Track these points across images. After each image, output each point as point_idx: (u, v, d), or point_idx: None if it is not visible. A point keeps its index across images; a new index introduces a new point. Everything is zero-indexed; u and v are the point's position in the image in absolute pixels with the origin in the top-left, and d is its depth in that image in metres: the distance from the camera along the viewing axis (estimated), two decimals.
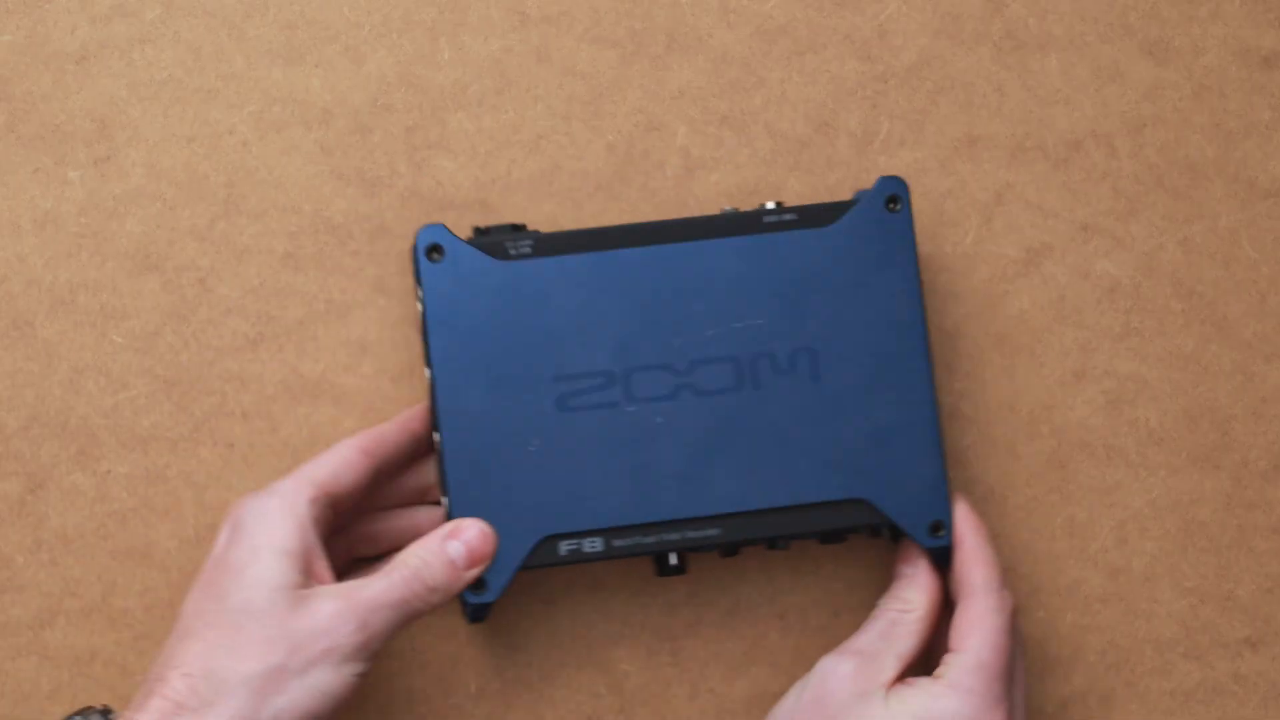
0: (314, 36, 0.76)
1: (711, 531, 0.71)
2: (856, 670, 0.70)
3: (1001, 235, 0.77)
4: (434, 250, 0.71)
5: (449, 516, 0.71)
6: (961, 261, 0.77)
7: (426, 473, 0.74)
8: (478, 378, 0.71)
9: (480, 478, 0.71)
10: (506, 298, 0.71)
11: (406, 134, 0.76)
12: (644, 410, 0.71)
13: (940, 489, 0.72)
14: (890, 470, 0.72)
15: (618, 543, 0.71)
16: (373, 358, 0.76)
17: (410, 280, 0.76)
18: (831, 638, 0.76)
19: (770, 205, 0.73)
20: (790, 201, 0.77)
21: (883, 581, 0.76)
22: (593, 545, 0.71)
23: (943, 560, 0.72)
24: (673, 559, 0.73)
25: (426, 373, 0.72)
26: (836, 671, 0.70)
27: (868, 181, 0.77)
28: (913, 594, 0.72)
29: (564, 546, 0.71)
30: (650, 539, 0.71)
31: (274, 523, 0.68)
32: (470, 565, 0.70)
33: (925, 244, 0.77)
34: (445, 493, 0.71)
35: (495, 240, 0.71)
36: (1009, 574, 0.76)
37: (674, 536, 0.71)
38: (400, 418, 0.73)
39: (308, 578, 0.67)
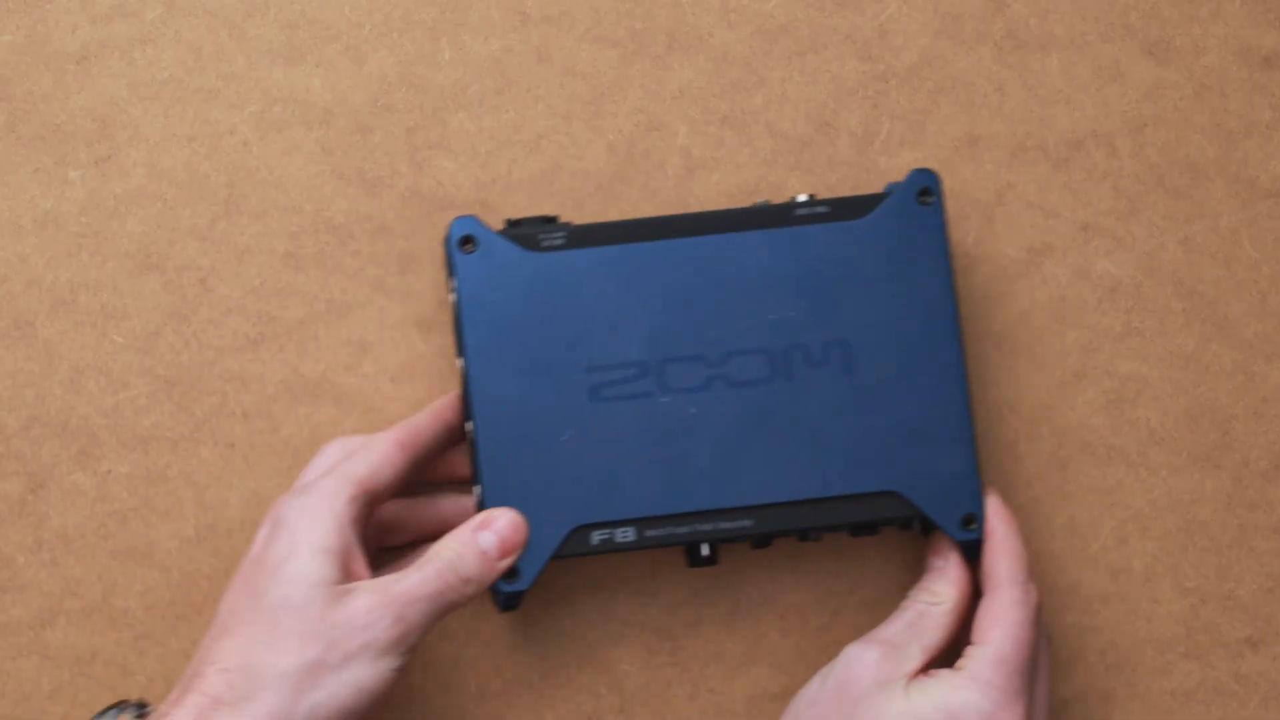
0: (315, 36, 0.76)
1: (744, 522, 0.72)
2: (881, 659, 0.70)
3: (1002, 235, 0.77)
4: (467, 241, 0.72)
5: (481, 506, 0.71)
6: (962, 261, 0.77)
7: (451, 457, 0.74)
8: (510, 368, 0.71)
9: (513, 467, 0.71)
10: (539, 289, 0.71)
11: (407, 134, 0.76)
12: (677, 401, 0.72)
13: (973, 482, 0.72)
14: (922, 463, 0.72)
15: (650, 533, 0.71)
16: (373, 358, 0.76)
17: (410, 279, 0.76)
18: (832, 638, 0.76)
19: (802, 198, 0.73)
20: None
21: (883, 581, 0.76)
22: (625, 535, 0.71)
23: (974, 554, 0.72)
24: (705, 549, 0.73)
25: (459, 363, 0.72)
26: (861, 659, 0.70)
27: (868, 182, 0.77)
28: (942, 587, 0.72)
29: (596, 536, 0.71)
30: (683, 529, 0.71)
31: (313, 521, 0.68)
32: (503, 555, 0.70)
33: None
34: (478, 482, 0.71)
35: (528, 232, 0.72)
36: None
37: (706, 527, 0.72)
38: (433, 408, 0.73)
39: (346, 575, 0.68)
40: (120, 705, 0.69)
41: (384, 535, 0.74)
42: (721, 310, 0.72)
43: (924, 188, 0.73)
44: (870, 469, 0.72)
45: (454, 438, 0.74)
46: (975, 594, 0.73)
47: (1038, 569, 0.77)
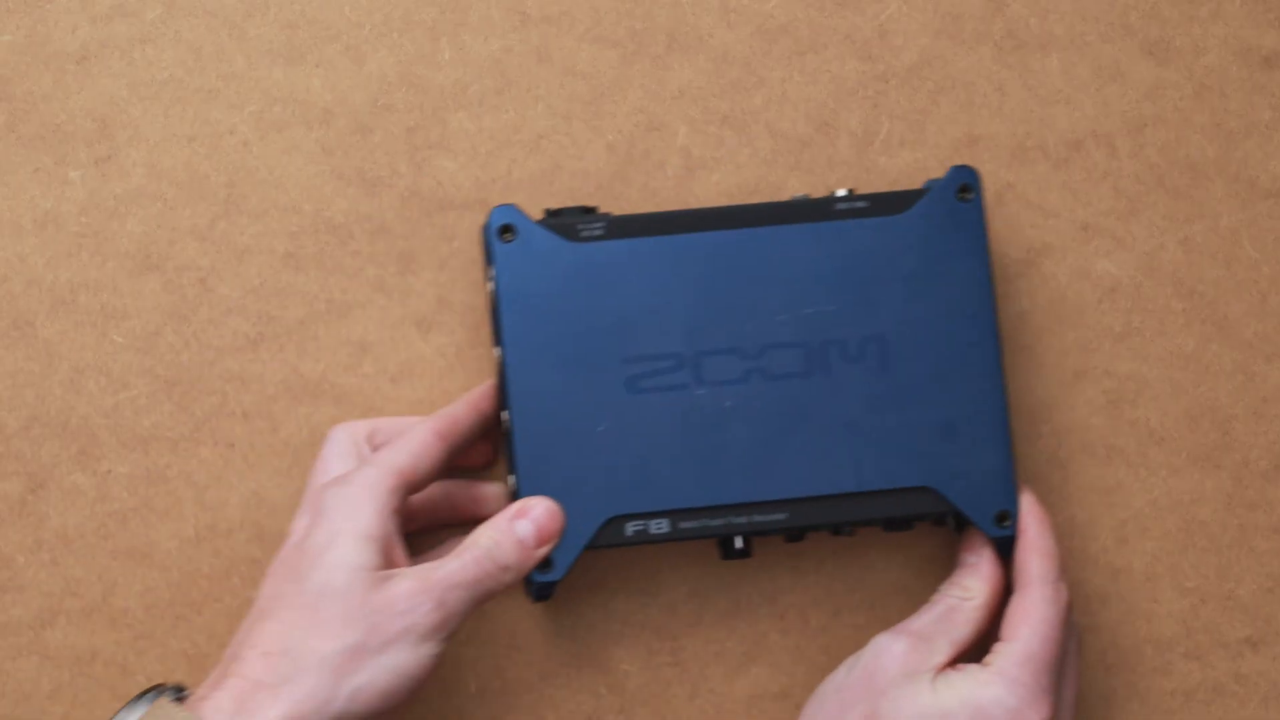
0: (315, 36, 0.76)
1: (778, 516, 0.72)
2: (909, 650, 0.70)
3: (1002, 235, 0.77)
4: (506, 230, 0.72)
5: (516, 495, 0.71)
6: None
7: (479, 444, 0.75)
8: (548, 358, 0.71)
9: (548, 457, 0.71)
10: (577, 279, 0.72)
11: (407, 134, 0.76)
12: (713, 393, 0.72)
13: (1007, 479, 0.72)
14: (957, 459, 0.72)
15: (684, 525, 0.71)
16: (373, 358, 0.76)
17: (410, 279, 0.76)
18: (832, 638, 0.76)
19: (842, 192, 0.73)
20: None
21: (884, 582, 0.76)
22: (659, 526, 0.71)
23: (1006, 550, 0.72)
24: (738, 542, 0.73)
25: (496, 352, 0.72)
26: (890, 650, 0.71)
27: (868, 182, 0.77)
28: (974, 582, 0.72)
29: (630, 527, 0.71)
30: (717, 521, 0.72)
31: (355, 509, 0.68)
32: (539, 544, 0.70)
33: None
34: (513, 471, 0.71)
35: (567, 222, 0.72)
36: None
37: (741, 520, 0.72)
38: (468, 398, 0.74)
39: (387, 562, 0.68)
40: (158, 688, 0.69)
41: (411, 522, 0.74)
42: (759, 303, 0.72)
43: (964, 184, 0.73)
44: (905, 464, 0.72)
45: (488, 427, 0.74)
46: (1006, 591, 0.73)
47: None
